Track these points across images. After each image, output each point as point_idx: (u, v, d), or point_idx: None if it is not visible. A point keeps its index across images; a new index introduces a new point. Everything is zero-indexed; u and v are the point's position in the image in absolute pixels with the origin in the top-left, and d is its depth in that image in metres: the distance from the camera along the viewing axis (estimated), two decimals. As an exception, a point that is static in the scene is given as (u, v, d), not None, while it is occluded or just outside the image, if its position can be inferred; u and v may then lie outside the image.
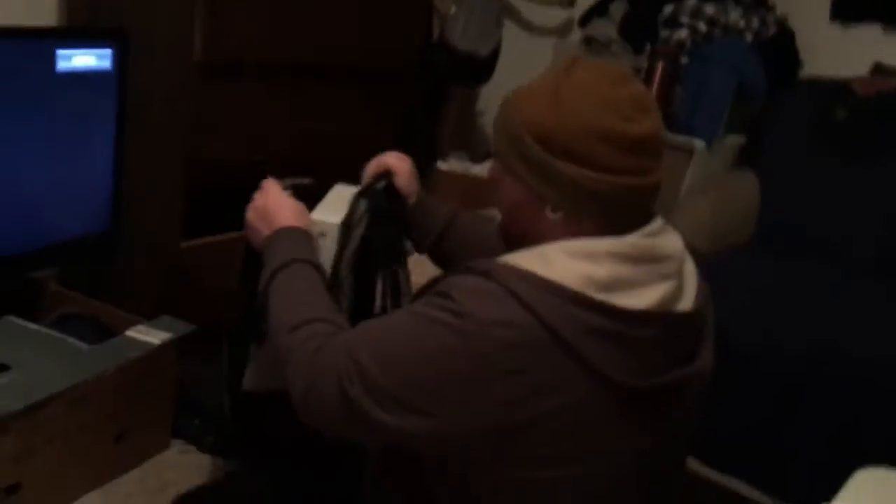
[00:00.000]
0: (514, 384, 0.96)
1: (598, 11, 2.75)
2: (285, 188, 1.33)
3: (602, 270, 0.99)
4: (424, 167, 2.79)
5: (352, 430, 1.05)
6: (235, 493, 1.57)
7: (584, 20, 2.80)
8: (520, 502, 1.03)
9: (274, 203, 1.27)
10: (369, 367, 1.00)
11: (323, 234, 1.32)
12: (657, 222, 1.07)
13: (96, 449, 1.52)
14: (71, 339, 1.60)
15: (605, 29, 2.61)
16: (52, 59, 1.60)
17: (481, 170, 2.83)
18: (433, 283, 1.15)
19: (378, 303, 1.29)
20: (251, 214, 1.29)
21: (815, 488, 1.40)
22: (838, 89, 2.51)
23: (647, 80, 2.53)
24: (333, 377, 1.02)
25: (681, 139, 2.46)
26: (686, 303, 1.07)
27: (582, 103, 1.00)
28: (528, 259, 1.02)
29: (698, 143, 2.45)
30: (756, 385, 2.01)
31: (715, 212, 2.34)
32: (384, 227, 1.33)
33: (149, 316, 1.70)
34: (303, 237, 1.24)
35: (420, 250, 1.44)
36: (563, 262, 0.99)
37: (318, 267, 1.21)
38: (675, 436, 1.13)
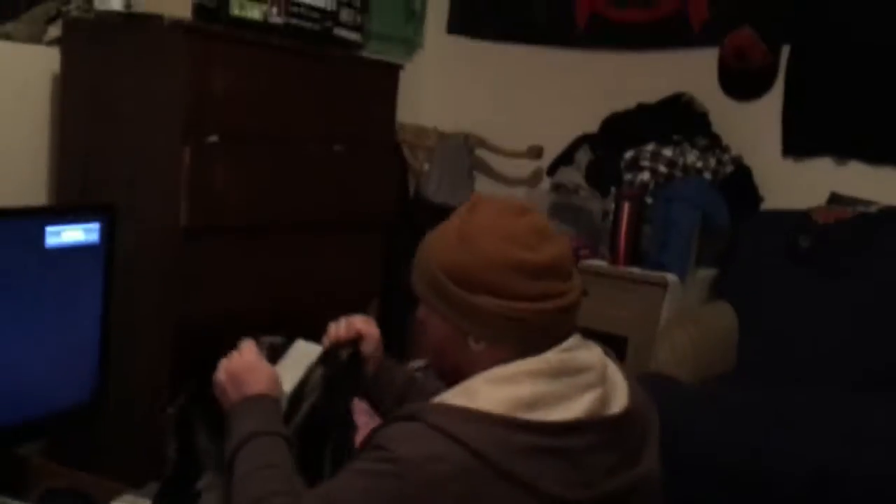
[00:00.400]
0: None
1: (563, 160, 2.89)
2: (262, 348, 1.32)
3: (524, 390, 1.04)
4: (406, 315, 2.84)
5: None
6: None
7: (552, 169, 2.94)
8: None
9: (246, 366, 1.24)
10: None
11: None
12: (574, 338, 1.11)
13: None
14: (56, 515, 1.58)
15: (572, 176, 2.75)
16: (40, 236, 1.66)
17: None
18: (370, 435, 1.15)
19: (326, 469, 1.27)
20: (222, 376, 1.26)
21: None
22: (799, 219, 2.62)
23: (615, 221, 2.63)
24: None
25: (653, 275, 2.54)
26: (617, 406, 1.10)
27: (485, 240, 1.07)
28: (453, 395, 1.07)
29: (671, 278, 2.52)
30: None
31: (695, 343, 2.37)
32: (338, 397, 1.31)
33: (137, 483, 1.68)
34: (271, 406, 1.22)
35: (379, 412, 1.43)
36: (486, 390, 1.05)
37: (285, 437, 1.19)
38: None
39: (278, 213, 2.09)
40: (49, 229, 1.68)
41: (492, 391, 1.05)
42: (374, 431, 1.10)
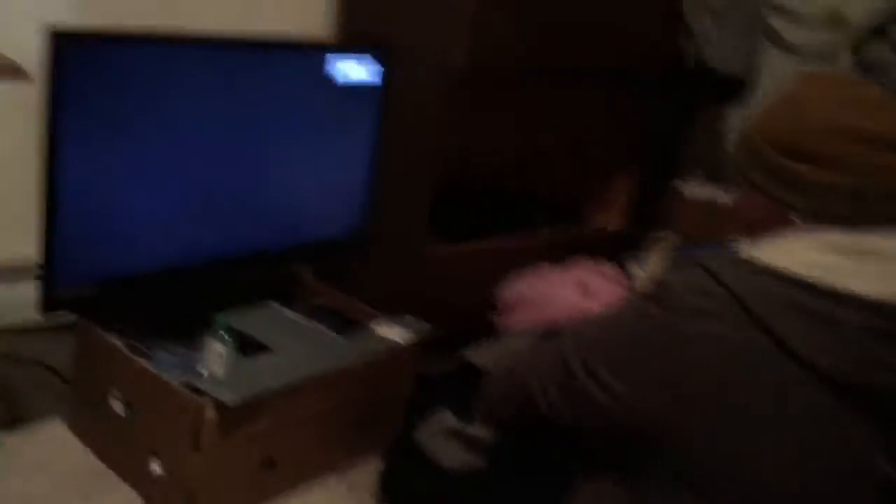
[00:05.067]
0: (705, 351, 0.97)
1: (874, 33, 2.51)
2: None
3: (818, 257, 0.98)
4: (662, 187, 2.71)
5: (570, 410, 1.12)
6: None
7: (858, 44, 2.57)
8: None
9: None
10: (586, 341, 1.09)
11: None
12: None
13: (339, 435, 1.60)
14: (324, 329, 1.71)
15: (884, 52, 2.39)
16: (327, 71, 1.73)
17: (726, 198, 2.69)
18: None
19: None
20: None
21: None
22: None
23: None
24: (556, 355, 1.11)
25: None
26: None
27: (820, 106, 1.02)
28: (748, 247, 1.04)
29: None
30: None
31: None
32: None
33: (393, 314, 1.78)
34: None
35: None
36: (784, 249, 1.00)
37: None
38: (863, 468, 1.00)
39: (549, 59, 2.01)
40: (334, 65, 1.74)
41: (787, 251, 1.00)
42: None
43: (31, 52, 1.35)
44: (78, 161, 1.37)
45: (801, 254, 0.99)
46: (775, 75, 2.55)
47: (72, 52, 1.31)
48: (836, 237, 0.99)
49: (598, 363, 1.06)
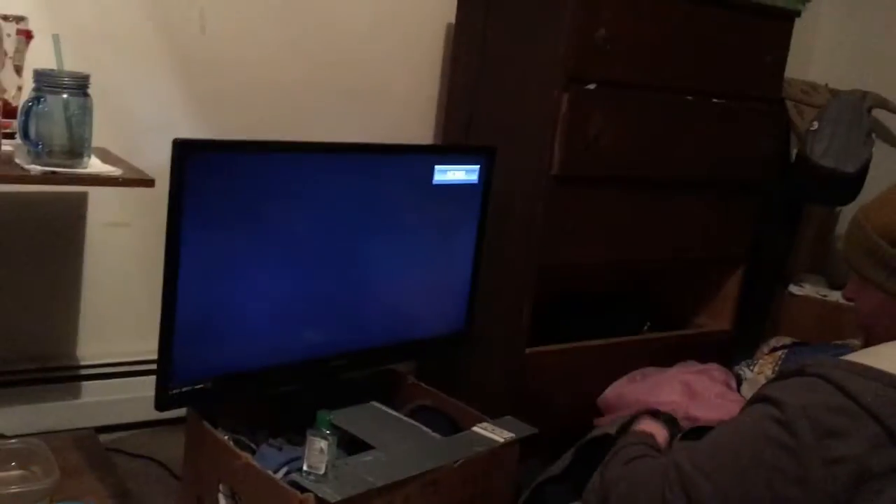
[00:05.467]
0: (835, 476, 0.91)
1: None
2: None
3: None
4: (772, 287, 2.63)
5: None
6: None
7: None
8: None
9: None
10: (691, 473, 1.01)
11: None
12: None
13: (440, 536, 1.57)
14: (425, 429, 1.71)
15: None
16: (429, 173, 1.79)
17: (839, 296, 2.58)
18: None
19: None
20: None
21: None
22: None
23: None
24: (658, 481, 1.05)
25: None
26: None
27: None
28: (856, 355, 0.99)
29: None
30: None
31: None
32: None
33: (492, 414, 1.76)
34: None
35: None
36: (894, 352, 0.96)
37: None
38: None
39: (649, 166, 2.03)
40: (437, 167, 1.80)
41: None
42: (760, 389, 1.06)
43: (160, 163, 1.46)
44: (197, 262, 1.46)
45: None
46: (887, 172, 2.47)
47: (193, 159, 1.41)
48: None
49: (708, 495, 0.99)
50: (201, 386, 1.50)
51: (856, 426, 0.91)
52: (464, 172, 1.86)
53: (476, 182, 1.88)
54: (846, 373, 0.95)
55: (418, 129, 2.21)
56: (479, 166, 1.88)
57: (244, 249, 1.53)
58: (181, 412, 1.57)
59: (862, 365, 0.97)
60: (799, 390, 0.97)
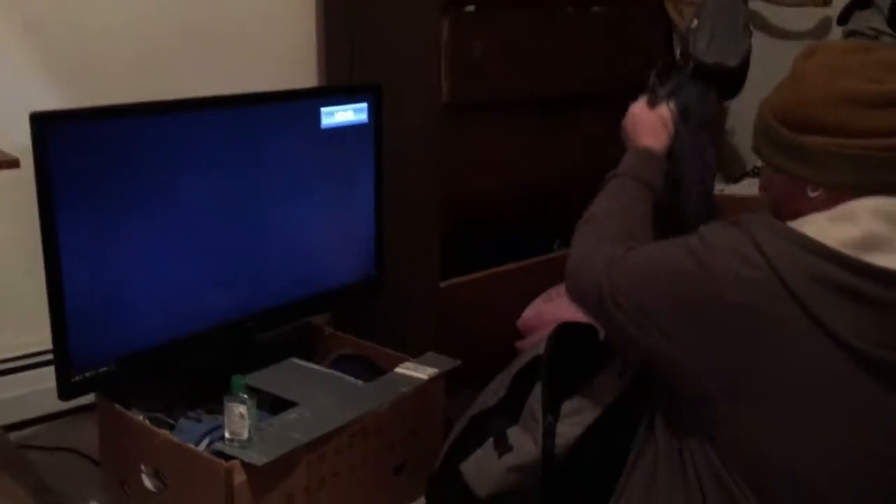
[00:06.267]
0: (739, 321, 0.97)
1: (859, 4, 2.49)
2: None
3: (857, 229, 0.96)
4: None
5: (601, 322, 1.20)
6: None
7: (844, 16, 2.55)
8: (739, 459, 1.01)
9: (637, 119, 1.45)
10: (619, 282, 1.10)
11: None
12: None
13: (377, 481, 1.57)
14: (347, 378, 1.69)
15: (871, 21, 2.36)
16: (316, 117, 1.73)
17: (737, 189, 2.65)
18: None
19: None
20: (626, 122, 1.48)
21: None
22: None
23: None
24: (593, 278, 1.14)
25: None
26: None
27: (821, 75, 1.02)
28: (788, 223, 1.03)
29: None
30: None
31: None
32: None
33: (414, 353, 1.75)
34: (649, 159, 1.37)
35: None
36: (821, 224, 0.99)
37: (650, 186, 1.32)
38: None
39: (539, 85, 2.01)
40: (324, 110, 1.74)
41: (825, 225, 0.99)
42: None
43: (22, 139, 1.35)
44: (78, 242, 1.37)
45: (839, 226, 0.98)
46: (768, 62, 2.52)
47: (55, 133, 1.31)
48: (875, 203, 0.98)
49: (630, 305, 1.08)
50: (105, 369, 1.43)
51: (758, 275, 0.96)
52: (352, 112, 1.80)
53: (366, 121, 1.83)
54: (763, 228, 1.00)
55: (302, 74, 2.12)
56: (366, 104, 1.82)
57: (128, 222, 1.44)
58: (92, 399, 1.51)
59: (780, 225, 1.01)
60: (723, 233, 1.03)
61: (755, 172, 2.54)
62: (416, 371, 1.67)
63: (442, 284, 1.94)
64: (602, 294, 1.11)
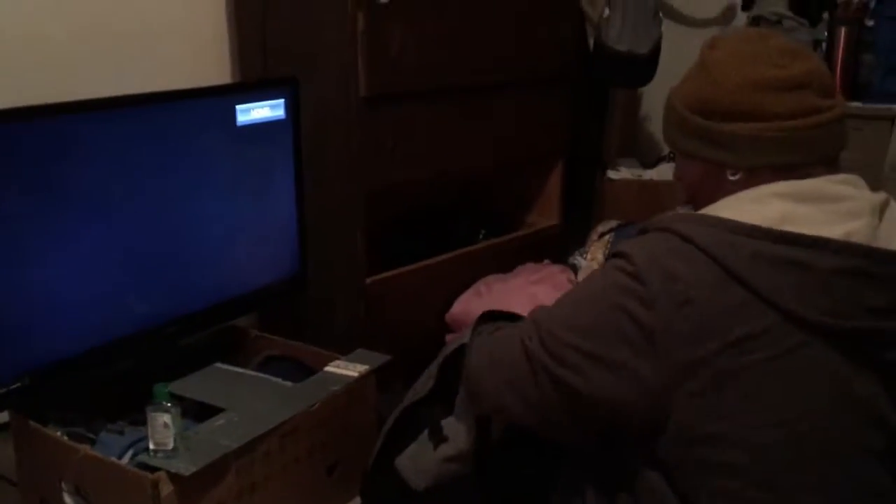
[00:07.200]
0: (685, 317, 0.94)
1: (761, -10, 2.57)
2: None
3: (771, 210, 0.98)
4: (593, 176, 2.72)
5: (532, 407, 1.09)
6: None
7: (748, 2, 2.64)
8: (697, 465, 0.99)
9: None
10: (548, 323, 1.06)
11: None
12: (844, 175, 1.04)
13: (311, 482, 1.54)
14: (276, 380, 1.65)
15: (773, 5, 2.44)
16: (232, 114, 1.68)
17: (654, 174, 2.71)
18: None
19: None
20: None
21: None
22: None
23: (830, 51, 2.33)
24: (516, 340, 1.09)
25: (879, 108, 2.24)
26: (892, 243, 0.98)
27: (729, 65, 1.05)
28: (696, 212, 1.05)
29: (898, 110, 2.22)
30: None
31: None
32: None
33: (343, 350, 1.73)
34: None
35: None
36: (735, 206, 1.01)
37: None
38: (866, 414, 0.97)
39: (456, 75, 2.01)
40: (239, 108, 1.69)
41: (745, 207, 1.00)
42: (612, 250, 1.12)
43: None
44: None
45: (753, 209, 0.99)
46: (678, 48, 2.58)
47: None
48: (780, 187, 1.01)
49: (565, 342, 1.03)
50: (17, 385, 1.36)
51: (697, 268, 0.96)
52: (269, 109, 1.76)
53: (283, 117, 1.79)
54: (685, 222, 1.00)
55: (215, 70, 2.06)
56: (283, 100, 1.78)
57: (38, 227, 1.37)
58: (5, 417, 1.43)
59: (699, 214, 1.03)
60: (644, 243, 1.02)
61: (671, 157, 2.60)
62: (346, 369, 1.64)
63: (368, 280, 1.92)
64: (529, 351, 1.06)
